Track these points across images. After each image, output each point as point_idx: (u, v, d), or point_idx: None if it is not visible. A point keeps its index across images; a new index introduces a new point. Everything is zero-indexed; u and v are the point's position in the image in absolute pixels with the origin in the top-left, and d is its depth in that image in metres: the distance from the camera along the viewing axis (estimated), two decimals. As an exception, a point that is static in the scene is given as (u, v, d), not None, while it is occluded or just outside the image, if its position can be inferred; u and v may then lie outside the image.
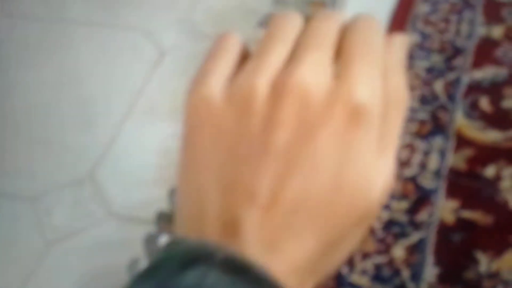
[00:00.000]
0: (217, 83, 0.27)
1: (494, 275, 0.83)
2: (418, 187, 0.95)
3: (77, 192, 1.02)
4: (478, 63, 1.15)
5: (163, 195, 0.89)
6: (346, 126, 0.24)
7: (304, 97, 0.24)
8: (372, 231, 0.89)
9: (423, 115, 1.06)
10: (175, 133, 1.10)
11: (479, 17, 1.25)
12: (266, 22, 1.05)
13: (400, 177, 0.96)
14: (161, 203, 0.91)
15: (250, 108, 0.25)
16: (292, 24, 0.27)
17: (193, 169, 0.26)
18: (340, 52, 0.26)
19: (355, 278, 0.84)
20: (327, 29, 0.26)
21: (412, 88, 1.12)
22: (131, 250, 0.87)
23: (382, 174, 0.25)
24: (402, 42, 0.28)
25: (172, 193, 0.92)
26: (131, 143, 1.09)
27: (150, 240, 0.84)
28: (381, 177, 0.25)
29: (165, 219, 0.87)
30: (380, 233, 0.89)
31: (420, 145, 1.01)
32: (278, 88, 0.25)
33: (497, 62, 1.15)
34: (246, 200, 0.24)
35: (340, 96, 0.24)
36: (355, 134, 0.24)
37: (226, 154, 0.25)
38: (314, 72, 0.25)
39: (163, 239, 0.80)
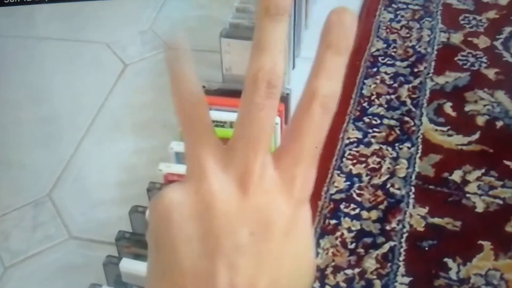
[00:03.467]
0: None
1: (464, 281, 0.83)
2: (388, 195, 0.95)
3: (36, 214, 0.99)
4: (440, 68, 1.17)
5: (125, 215, 0.87)
6: (297, 209, 0.26)
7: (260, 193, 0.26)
8: (343, 244, 0.89)
9: (390, 121, 1.07)
10: (136, 149, 1.08)
11: (439, 24, 1.28)
12: (229, 32, 1.04)
13: (370, 185, 0.96)
14: (122, 223, 0.89)
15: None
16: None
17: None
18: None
19: (327, 291, 0.84)
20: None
21: (378, 94, 1.13)
22: (92, 274, 0.84)
23: (311, 254, 0.28)
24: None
25: (133, 212, 0.90)
26: (91, 161, 1.07)
27: (110, 263, 0.81)
28: (311, 257, 0.28)
29: (126, 241, 0.85)
30: (351, 245, 0.89)
31: (388, 151, 1.02)
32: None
33: (458, 67, 1.17)
34: None
35: (290, 195, 0.26)
36: (304, 213, 0.27)
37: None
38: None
39: (124, 263, 0.78)
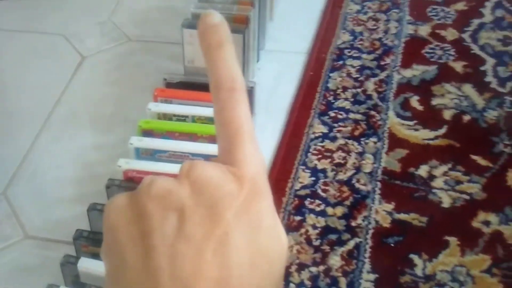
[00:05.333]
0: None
1: (430, 278, 0.82)
2: (354, 191, 0.94)
3: (-9, 213, 0.95)
4: (407, 61, 1.16)
5: (83, 213, 0.84)
6: (248, 199, 0.25)
7: (200, 186, 0.25)
8: (308, 240, 0.88)
9: (356, 115, 1.06)
10: (95, 144, 1.05)
11: (407, 16, 1.27)
12: (192, 22, 1.01)
13: (335, 181, 0.95)
14: (81, 222, 0.86)
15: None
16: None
17: None
18: (223, 132, 0.27)
19: (291, 290, 0.82)
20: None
21: (344, 88, 1.11)
22: (50, 275, 0.82)
23: (282, 228, 0.27)
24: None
25: (91, 210, 0.87)
26: (48, 157, 1.04)
27: (67, 263, 0.79)
28: (283, 231, 0.27)
29: (84, 239, 0.82)
30: (316, 242, 0.87)
31: (354, 146, 1.01)
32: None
33: (425, 60, 1.16)
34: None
35: (237, 176, 0.26)
36: (258, 204, 0.26)
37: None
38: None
39: (82, 263, 0.76)
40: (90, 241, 0.82)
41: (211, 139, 0.91)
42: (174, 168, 0.87)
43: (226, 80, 0.27)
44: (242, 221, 0.25)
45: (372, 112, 1.06)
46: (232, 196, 0.25)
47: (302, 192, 0.94)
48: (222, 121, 0.27)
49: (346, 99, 1.09)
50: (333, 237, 0.88)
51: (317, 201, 0.92)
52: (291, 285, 0.82)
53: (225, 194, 0.25)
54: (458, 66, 1.14)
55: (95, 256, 0.78)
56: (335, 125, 1.04)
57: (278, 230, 0.26)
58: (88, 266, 0.76)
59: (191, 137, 0.92)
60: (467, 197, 0.92)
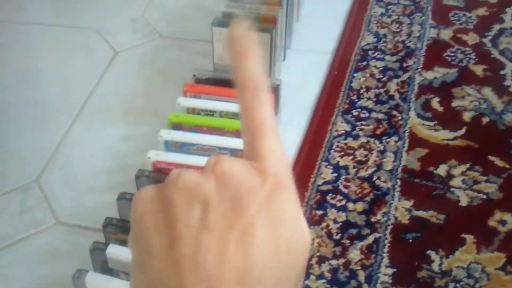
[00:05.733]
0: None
1: (446, 274, 0.85)
2: (374, 187, 0.96)
3: (24, 199, 0.99)
4: (429, 64, 1.18)
5: (113, 202, 0.87)
6: (271, 193, 0.26)
7: (225, 180, 0.26)
8: (329, 234, 0.91)
9: (379, 115, 1.09)
10: (126, 136, 1.09)
11: (429, 20, 1.29)
12: (222, 21, 1.05)
13: (357, 178, 0.98)
14: (109, 209, 0.89)
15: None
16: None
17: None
18: (248, 129, 0.29)
19: (312, 283, 0.85)
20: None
21: (368, 87, 1.14)
22: (79, 260, 0.84)
23: (305, 222, 0.27)
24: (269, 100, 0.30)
25: (120, 199, 0.90)
26: (80, 147, 1.07)
27: (96, 249, 0.82)
28: (306, 226, 0.27)
29: (113, 227, 0.85)
30: (336, 236, 0.90)
31: (376, 145, 1.03)
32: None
33: (446, 63, 1.19)
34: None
35: (260, 171, 0.27)
36: (281, 197, 0.26)
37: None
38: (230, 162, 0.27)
39: (111, 249, 0.78)
40: (119, 228, 0.84)
41: (237, 134, 0.94)
42: (201, 160, 0.89)
43: (250, 81, 0.29)
44: (265, 214, 0.25)
45: (394, 112, 1.08)
46: (256, 191, 0.26)
47: (324, 188, 0.97)
48: (246, 119, 0.28)
49: (369, 98, 1.11)
50: (353, 231, 0.90)
51: (339, 197, 0.95)
52: (312, 276, 0.85)
53: (249, 188, 0.26)
54: (478, 70, 1.17)
55: (123, 243, 0.80)
56: (358, 123, 1.07)
57: (302, 224, 0.26)
58: (117, 252, 0.78)
59: (218, 131, 0.95)
60: (484, 197, 0.94)
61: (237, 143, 0.92)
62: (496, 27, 1.26)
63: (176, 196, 0.26)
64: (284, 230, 0.26)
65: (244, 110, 0.29)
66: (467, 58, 1.19)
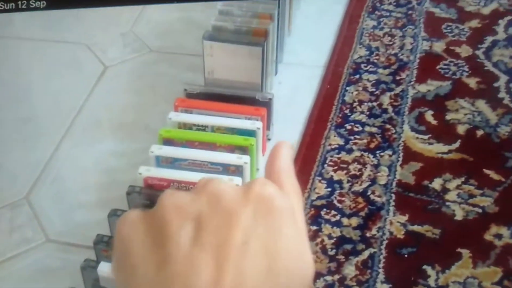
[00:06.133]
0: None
1: (443, 289, 0.85)
2: (369, 202, 0.96)
3: (13, 216, 0.98)
4: (422, 76, 1.18)
5: (104, 218, 0.86)
6: (259, 211, 0.26)
7: (216, 197, 0.26)
8: (323, 250, 0.90)
9: (372, 128, 1.08)
10: (116, 151, 1.08)
11: (422, 32, 1.30)
12: (212, 34, 1.04)
13: (351, 192, 0.98)
14: (102, 227, 0.88)
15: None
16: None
17: None
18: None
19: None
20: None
21: (361, 101, 1.14)
22: (70, 278, 0.84)
23: (309, 252, 0.27)
24: (288, 148, 0.32)
25: (111, 216, 0.89)
26: (70, 163, 1.06)
27: (88, 267, 0.81)
28: (310, 255, 0.27)
29: (104, 244, 0.84)
30: (331, 251, 0.90)
31: (370, 159, 1.03)
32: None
33: (440, 75, 1.19)
34: None
35: (253, 190, 0.27)
36: (277, 219, 0.26)
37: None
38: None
39: (102, 267, 0.78)
40: (110, 246, 0.84)
41: (229, 149, 0.94)
42: (193, 176, 0.89)
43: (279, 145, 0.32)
44: (260, 230, 0.25)
45: (387, 126, 1.08)
46: (245, 206, 0.26)
47: (318, 203, 0.96)
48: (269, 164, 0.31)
49: (362, 112, 1.11)
50: (348, 247, 0.90)
51: (333, 212, 0.95)
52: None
53: (239, 204, 0.26)
54: (472, 82, 1.17)
55: None
56: (351, 137, 1.06)
57: (302, 248, 0.26)
58: (108, 270, 0.77)
59: (211, 146, 0.95)
60: (480, 210, 0.94)
61: (229, 158, 0.92)
62: (489, 39, 1.27)
63: (167, 215, 0.25)
64: (280, 251, 0.25)
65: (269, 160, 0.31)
66: (460, 71, 1.19)
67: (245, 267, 0.24)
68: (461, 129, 1.08)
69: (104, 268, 0.77)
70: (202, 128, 0.99)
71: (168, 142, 0.96)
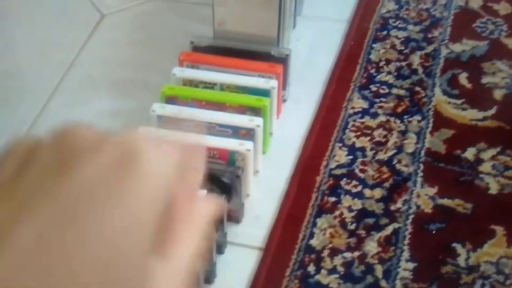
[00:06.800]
0: None
1: (473, 269, 0.84)
2: (394, 172, 0.95)
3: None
4: (456, 35, 1.17)
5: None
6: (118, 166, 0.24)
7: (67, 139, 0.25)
8: (342, 224, 0.89)
9: (400, 91, 1.07)
10: (112, 110, 1.07)
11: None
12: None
13: (375, 161, 0.97)
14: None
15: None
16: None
17: None
18: None
19: (323, 278, 0.84)
20: None
21: (388, 60, 1.12)
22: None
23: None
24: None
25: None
26: (59, 122, 1.05)
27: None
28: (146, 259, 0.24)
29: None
30: (351, 226, 0.89)
31: (396, 124, 1.02)
32: None
33: (476, 35, 1.17)
34: None
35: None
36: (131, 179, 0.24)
37: None
38: None
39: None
40: None
41: (240, 110, 0.93)
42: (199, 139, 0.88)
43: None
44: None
45: (417, 88, 1.07)
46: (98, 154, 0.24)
47: (338, 172, 0.95)
48: None
49: (389, 72, 1.10)
50: (370, 221, 0.89)
51: (354, 182, 0.94)
52: (323, 271, 0.84)
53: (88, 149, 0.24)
54: (511, 43, 1.15)
55: None
56: (377, 100, 1.05)
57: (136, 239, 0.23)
58: None
59: (219, 106, 0.94)
60: (517, 185, 0.93)
61: (240, 120, 0.91)
62: (531, -5, 1.24)
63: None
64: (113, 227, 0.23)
65: None
66: (499, 30, 1.18)
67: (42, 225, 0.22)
68: (498, 94, 1.06)
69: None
70: (210, 86, 0.97)
71: (171, 100, 0.95)
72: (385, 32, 1.18)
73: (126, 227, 0.23)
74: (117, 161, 0.24)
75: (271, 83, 0.95)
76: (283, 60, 1.00)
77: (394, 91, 1.07)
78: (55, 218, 0.22)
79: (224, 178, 0.85)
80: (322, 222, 0.89)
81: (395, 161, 0.96)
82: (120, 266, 0.22)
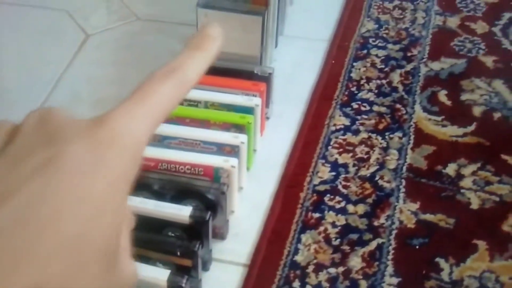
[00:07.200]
0: None
1: (457, 283, 0.83)
2: (377, 188, 0.94)
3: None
4: (435, 54, 1.16)
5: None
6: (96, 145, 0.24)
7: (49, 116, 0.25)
8: (327, 239, 0.88)
9: (381, 108, 1.06)
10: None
11: (435, 6, 1.28)
12: (208, 2, 1.01)
13: (357, 177, 0.96)
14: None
15: None
16: None
17: None
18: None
19: (308, 291, 0.82)
20: None
21: (369, 78, 1.12)
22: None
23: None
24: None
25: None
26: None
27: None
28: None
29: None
30: (335, 241, 0.88)
31: (378, 141, 1.01)
32: None
33: (454, 53, 1.17)
34: None
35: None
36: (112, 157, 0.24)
37: None
38: None
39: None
40: None
41: (225, 127, 0.92)
42: (184, 156, 0.87)
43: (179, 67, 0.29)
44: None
45: (398, 105, 1.06)
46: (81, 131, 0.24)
47: (321, 188, 0.94)
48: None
49: (370, 90, 1.09)
50: (354, 236, 0.88)
51: (338, 198, 0.93)
52: (308, 287, 0.82)
53: (72, 126, 0.24)
54: (489, 61, 1.15)
55: None
56: (358, 117, 1.04)
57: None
58: None
59: (203, 124, 0.92)
60: (497, 199, 0.92)
61: (224, 137, 0.89)
62: (507, 15, 1.25)
63: None
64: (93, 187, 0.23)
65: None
66: (476, 48, 1.18)
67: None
68: (477, 111, 1.06)
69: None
70: (194, 103, 0.96)
71: (156, 118, 0.93)
72: (365, 51, 1.17)
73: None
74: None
75: (255, 101, 0.94)
76: (266, 79, 0.99)
77: (375, 108, 1.06)
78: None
79: (209, 195, 0.84)
80: (306, 237, 0.88)
81: (377, 177, 0.95)
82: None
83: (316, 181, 0.95)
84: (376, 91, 1.09)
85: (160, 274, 0.74)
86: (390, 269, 0.84)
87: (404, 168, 0.97)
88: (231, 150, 0.89)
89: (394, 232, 0.88)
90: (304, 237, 0.88)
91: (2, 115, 1.07)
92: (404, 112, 1.06)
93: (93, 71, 1.16)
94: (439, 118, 1.05)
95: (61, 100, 1.10)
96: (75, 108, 1.08)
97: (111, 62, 1.18)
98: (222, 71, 0.99)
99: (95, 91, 1.12)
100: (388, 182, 0.95)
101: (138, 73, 1.14)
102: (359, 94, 1.09)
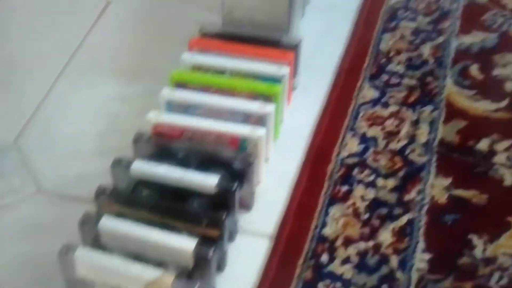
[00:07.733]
0: None
1: (490, 261, 0.78)
2: (407, 162, 0.89)
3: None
4: (466, 27, 1.12)
5: (103, 168, 0.79)
6: None
7: None
8: (355, 213, 0.83)
9: (411, 81, 1.02)
10: (119, 95, 1.01)
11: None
12: None
13: (387, 150, 0.91)
14: (101, 178, 0.81)
15: None
16: None
17: None
18: None
19: (336, 267, 0.78)
20: None
21: (398, 51, 1.07)
22: (65, 233, 0.77)
23: None
24: None
25: (115, 165, 0.83)
26: (65, 107, 0.99)
27: (87, 222, 0.75)
28: None
29: (106, 197, 0.78)
30: (364, 215, 0.83)
31: (408, 114, 0.97)
32: None
33: (485, 27, 1.13)
34: None
35: None
36: None
37: None
38: None
39: (105, 222, 0.71)
40: (113, 199, 0.77)
41: (250, 96, 0.87)
42: (209, 124, 0.82)
43: None
44: None
45: (428, 79, 1.02)
46: None
47: (350, 161, 0.89)
48: None
49: (399, 62, 1.05)
50: (383, 211, 0.83)
51: (367, 171, 0.88)
52: (336, 260, 0.78)
53: None
54: (520, 37, 1.11)
55: (118, 215, 0.73)
56: (388, 90, 1.00)
57: None
58: (111, 226, 0.71)
59: (229, 93, 0.87)
60: (532, 176, 0.88)
61: (251, 106, 0.84)
62: (538, -10, 1.20)
63: None
64: None
65: None
66: (508, 23, 1.13)
67: None
68: (509, 86, 1.01)
69: (107, 223, 0.71)
70: (220, 72, 0.91)
71: (180, 86, 0.89)
72: (394, 23, 1.13)
73: None
74: None
75: (283, 70, 0.89)
76: (294, 48, 0.94)
77: (405, 81, 1.02)
78: None
79: (235, 165, 0.79)
80: (334, 211, 0.83)
81: (408, 151, 0.91)
82: None
83: (344, 154, 0.90)
84: (406, 63, 1.05)
85: (186, 243, 0.69)
86: (421, 245, 0.80)
87: (436, 143, 0.92)
88: (258, 120, 0.84)
89: (425, 207, 0.84)
90: (332, 210, 0.83)
91: (20, 83, 1.03)
92: (435, 85, 1.01)
93: (114, 39, 1.12)
94: (471, 93, 1.00)
95: (81, 66, 1.06)
96: (94, 77, 1.04)
97: (133, 30, 1.14)
98: (247, 40, 0.94)
99: (117, 59, 1.08)
100: (419, 156, 0.90)
101: (158, 42, 1.10)
102: (389, 67, 1.04)
